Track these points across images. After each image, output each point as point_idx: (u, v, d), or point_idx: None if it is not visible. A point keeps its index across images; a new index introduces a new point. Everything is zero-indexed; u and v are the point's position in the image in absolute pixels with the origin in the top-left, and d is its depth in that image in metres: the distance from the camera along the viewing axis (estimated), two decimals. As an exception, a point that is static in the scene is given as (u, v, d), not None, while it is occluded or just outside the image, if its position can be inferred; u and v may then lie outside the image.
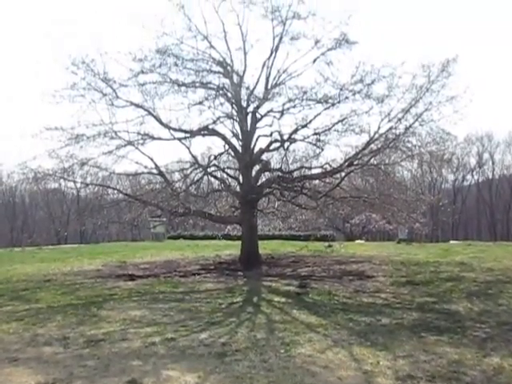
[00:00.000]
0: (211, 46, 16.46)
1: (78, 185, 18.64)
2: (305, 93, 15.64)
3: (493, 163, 58.14)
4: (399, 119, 14.65)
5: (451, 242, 28.20)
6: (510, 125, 56.60)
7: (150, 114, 15.71)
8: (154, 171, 16.56)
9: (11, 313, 9.21)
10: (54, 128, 14.58)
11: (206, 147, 18.49)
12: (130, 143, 15.45)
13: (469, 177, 59.30)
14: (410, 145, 15.08)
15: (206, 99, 16.26)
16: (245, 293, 11.24)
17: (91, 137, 14.94)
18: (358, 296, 10.38)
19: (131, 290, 11.63)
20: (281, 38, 16.23)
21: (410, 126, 14.58)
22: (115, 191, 18.68)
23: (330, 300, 9.99)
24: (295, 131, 16.22)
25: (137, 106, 15.65)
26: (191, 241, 29.82)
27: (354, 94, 15.10)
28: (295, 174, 17.07)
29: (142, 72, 15.53)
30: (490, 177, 59.00)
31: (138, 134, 15.59)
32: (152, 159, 15.97)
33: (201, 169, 16.76)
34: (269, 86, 16.33)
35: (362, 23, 15.32)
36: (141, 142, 15.68)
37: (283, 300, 10.13)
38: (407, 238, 25.96)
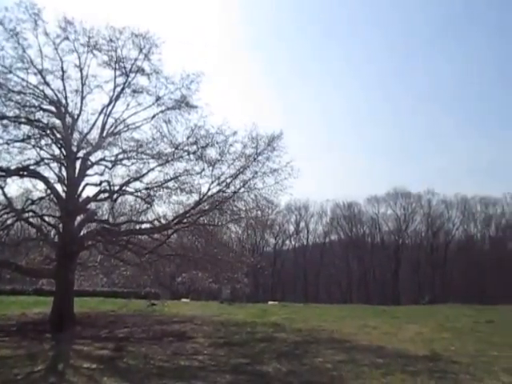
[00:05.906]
0: (45, 83, 15.49)
1: None
2: (140, 146, 15.64)
3: (307, 231, 65.26)
4: (228, 184, 15.58)
5: (269, 302, 29.80)
6: (321, 198, 64.33)
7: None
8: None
9: None
10: None
11: (24, 190, 16.50)
12: None
13: (287, 242, 65.20)
14: (236, 208, 16.05)
15: (30, 137, 14.94)
16: (50, 359, 9.97)
17: None
18: (176, 359, 10.06)
19: None
20: (123, 89, 16.20)
21: (237, 191, 15.59)
22: None
23: (145, 364, 9.44)
24: (127, 183, 15.83)
25: None
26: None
27: (188, 155, 15.61)
28: (123, 227, 16.42)
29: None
30: (305, 243, 65.77)
31: None
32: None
33: (14, 213, 14.92)
34: (104, 134, 15.83)
35: (203, 89, 16.46)
36: None
37: (94, 366, 9.20)
38: (229, 298, 26.67)
